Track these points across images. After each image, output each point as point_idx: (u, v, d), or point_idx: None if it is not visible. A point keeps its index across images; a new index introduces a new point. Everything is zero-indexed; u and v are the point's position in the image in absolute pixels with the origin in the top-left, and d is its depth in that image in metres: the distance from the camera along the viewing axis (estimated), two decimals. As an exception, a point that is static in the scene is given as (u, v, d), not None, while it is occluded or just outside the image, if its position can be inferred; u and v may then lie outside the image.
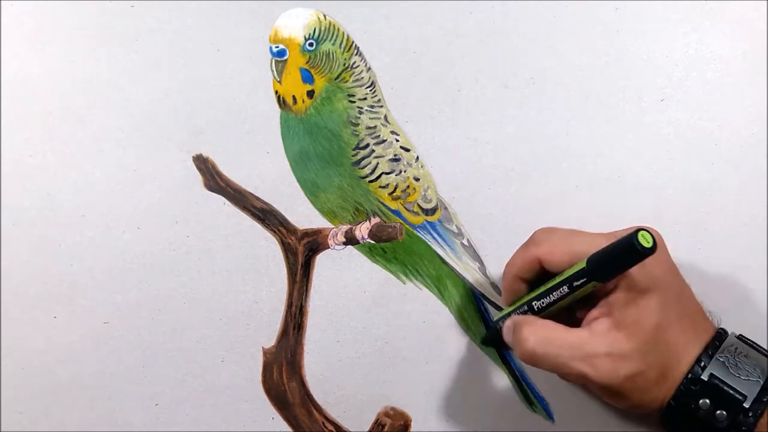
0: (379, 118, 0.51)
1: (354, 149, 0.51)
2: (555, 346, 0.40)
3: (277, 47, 0.51)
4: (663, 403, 0.41)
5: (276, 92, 0.52)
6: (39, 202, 0.52)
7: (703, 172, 0.52)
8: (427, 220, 0.52)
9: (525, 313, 0.44)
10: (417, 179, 0.52)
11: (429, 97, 0.52)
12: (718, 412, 0.39)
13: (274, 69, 0.51)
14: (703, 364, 0.40)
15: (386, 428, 0.52)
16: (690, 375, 0.40)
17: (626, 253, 0.38)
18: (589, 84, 0.52)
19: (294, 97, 0.51)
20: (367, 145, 0.51)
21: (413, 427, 0.52)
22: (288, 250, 0.52)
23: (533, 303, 0.44)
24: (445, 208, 0.52)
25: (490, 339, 0.50)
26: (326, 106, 0.51)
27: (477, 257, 0.52)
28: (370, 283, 0.52)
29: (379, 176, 0.51)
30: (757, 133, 0.52)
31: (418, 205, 0.52)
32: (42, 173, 0.52)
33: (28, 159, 0.52)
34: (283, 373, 0.52)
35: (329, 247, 0.52)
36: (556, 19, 0.52)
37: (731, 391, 0.39)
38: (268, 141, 0.52)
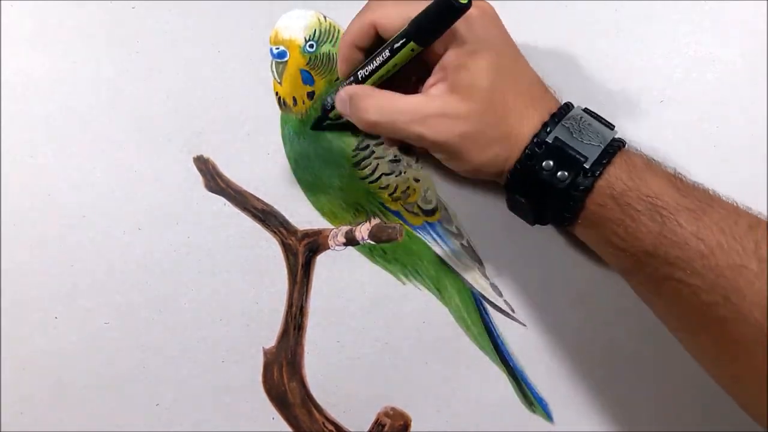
0: (380, 119, 0.51)
1: (354, 150, 0.51)
2: (393, 112, 0.42)
3: (278, 49, 0.51)
4: (506, 166, 0.42)
5: (276, 93, 0.52)
6: (39, 202, 0.52)
7: (703, 173, 0.52)
8: (426, 221, 0.52)
9: (352, 84, 0.45)
10: (417, 180, 0.52)
11: (429, 98, 0.52)
12: (560, 172, 0.40)
13: (274, 70, 0.51)
14: (549, 129, 0.41)
15: (386, 428, 0.52)
16: (536, 138, 0.41)
17: (442, 11, 0.38)
18: (589, 84, 0.52)
19: (294, 99, 0.51)
20: (367, 146, 0.51)
21: (413, 427, 0.52)
22: (288, 251, 0.52)
23: (358, 72, 0.44)
24: (445, 209, 0.52)
25: (321, 120, 0.50)
26: (326, 107, 0.51)
27: (477, 258, 0.52)
28: (370, 283, 0.52)
29: (379, 177, 0.51)
30: (757, 133, 0.52)
31: (418, 206, 0.52)
32: (42, 173, 0.52)
33: (29, 159, 0.52)
34: (284, 374, 0.52)
35: (329, 248, 0.52)
36: (556, 19, 0.52)
37: (573, 153, 0.40)
38: (268, 142, 0.52)
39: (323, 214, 0.52)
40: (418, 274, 0.52)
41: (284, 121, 0.52)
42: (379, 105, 0.42)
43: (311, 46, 0.51)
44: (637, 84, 0.52)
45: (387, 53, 0.42)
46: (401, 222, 0.52)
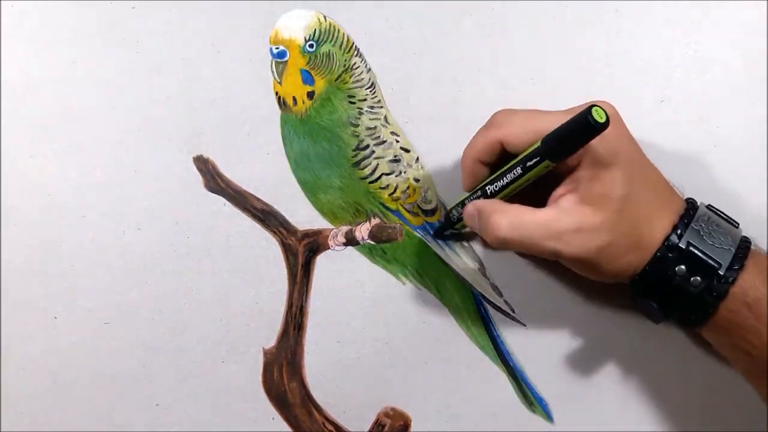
0: (379, 119, 0.51)
1: (354, 150, 0.51)
2: (525, 228, 0.41)
3: (278, 48, 0.51)
4: (636, 270, 0.42)
5: (276, 93, 0.52)
6: (39, 202, 0.52)
7: (703, 173, 0.52)
8: (427, 221, 0.52)
9: (479, 197, 0.44)
10: (417, 180, 0.52)
11: (429, 98, 0.52)
12: (693, 278, 0.40)
13: (274, 70, 0.51)
14: (679, 232, 0.41)
15: (386, 428, 0.52)
16: (667, 242, 0.41)
17: (580, 130, 0.37)
18: (589, 84, 0.52)
19: (294, 98, 0.51)
20: (367, 146, 0.51)
21: (413, 427, 0.52)
22: (288, 251, 0.52)
23: (487, 187, 0.44)
24: (445, 209, 0.52)
25: (444, 228, 0.51)
26: (326, 107, 0.51)
27: (476, 258, 0.52)
28: (370, 283, 0.52)
29: (379, 177, 0.51)
30: (757, 134, 0.52)
31: (418, 206, 0.52)
32: (42, 173, 0.52)
33: (29, 159, 0.52)
34: (284, 374, 0.52)
35: (329, 248, 0.52)
36: (556, 19, 0.52)
37: (707, 259, 0.40)
38: (268, 142, 0.52)
39: (323, 214, 0.52)
40: (418, 274, 0.52)
41: (284, 121, 0.52)
42: (510, 222, 0.41)
43: (311, 45, 0.51)
44: (637, 84, 0.52)
45: (519, 170, 0.41)
46: (401, 222, 0.52)
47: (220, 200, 0.52)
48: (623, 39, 0.52)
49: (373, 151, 0.51)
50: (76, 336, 0.52)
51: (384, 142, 0.51)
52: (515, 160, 0.42)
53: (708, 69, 0.52)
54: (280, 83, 0.51)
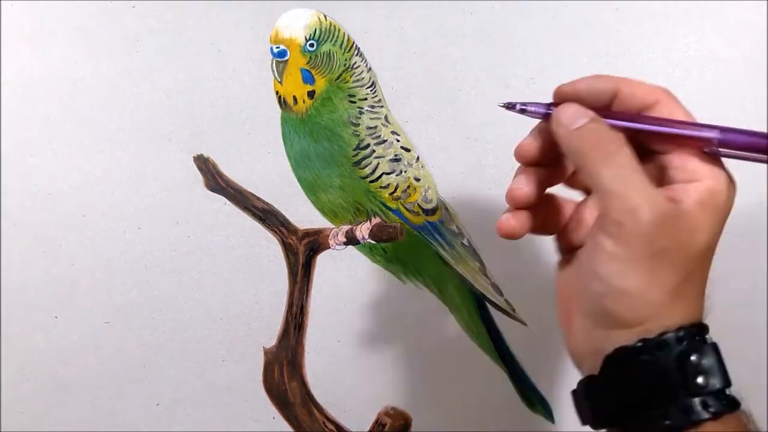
0: (380, 119, 0.51)
1: (355, 149, 0.51)
2: (625, 187, 0.33)
3: (278, 48, 0.51)
4: (651, 329, 0.34)
5: (277, 93, 0.52)
6: (39, 202, 0.52)
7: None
8: (427, 220, 0.52)
9: None
10: (417, 179, 0.52)
11: (429, 97, 0.52)
12: (700, 379, 0.33)
13: (274, 69, 0.51)
14: (706, 331, 0.35)
15: (386, 428, 0.52)
16: (699, 327, 0.34)
17: None
18: (589, 84, 0.52)
19: (295, 98, 0.51)
20: (368, 146, 0.51)
21: (413, 427, 0.52)
22: (289, 250, 0.52)
23: None
24: (446, 208, 0.52)
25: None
26: (327, 106, 0.51)
27: (477, 257, 0.52)
28: (370, 283, 0.52)
29: (380, 176, 0.51)
30: (757, 133, 0.52)
31: (419, 205, 0.52)
32: (42, 173, 0.52)
33: (29, 159, 0.52)
34: (284, 373, 0.52)
35: (330, 247, 0.52)
36: (556, 19, 0.52)
37: (723, 371, 0.33)
38: (268, 141, 0.52)
39: (323, 213, 0.52)
40: (418, 274, 0.52)
41: (285, 121, 0.52)
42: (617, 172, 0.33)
43: (312, 45, 0.51)
44: (637, 83, 0.52)
45: None
46: (402, 221, 0.52)
47: (221, 199, 0.52)
48: (623, 38, 0.52)
49: (374, 151, 0.51)
50: (76, 336, 0.52)
51: (384, 141, 0.51)
52: None
53: (708, 68, 0.52)
54: (280, 82, 0.51)
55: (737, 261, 0.52)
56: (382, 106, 0.52)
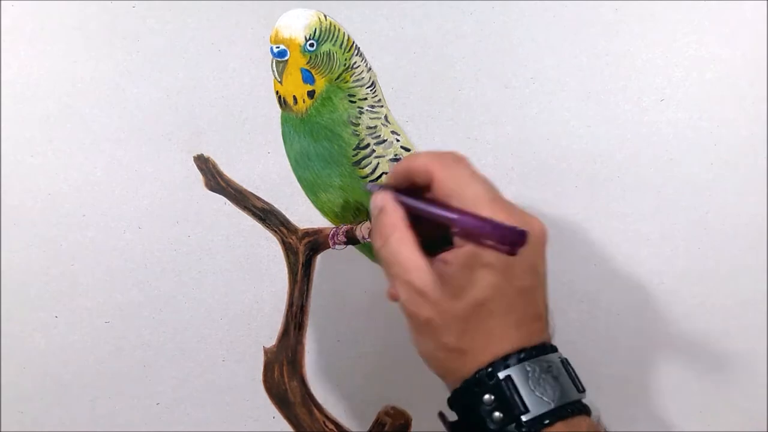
0: (380, 118, 0.51)
1: (355, 149, 0.51)
2: (400, 262, 0.39)
3: (278, 47, 0.51)
4: (459, 380, 0.39)
5: (277, 92, 0.52)
6: (39, 202, 0.52)
7: (703, 172, 0.52)
8: (427, 220, 0.52)
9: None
10: (417, 179, 0.52)
11: (429, 97, 0.52)
12: (496, 413, 0.37)
13: (274, 69, 0.51)
14: (508, 363, 0.38)
15: (386, 427, 0.52)
16: (489, 368, 0.38)
17: None
18: (589, 84, 0.52)
19: (295, 98, 0.51)
20: (368, 145, 0.51)
21: (413, 427, 0.52)
22: (289, 250, 0.52)
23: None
24: (446, 208, 0.52)
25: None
26: (327, 106, 0.51)
27: (477, 257, 0.52)
28: (370, 283, 0.52)
29: (380, 176, 0.51)
30: (757, 133, 0.52)
31: (419, 205, 0.52)
32: (42, 173, 0.52)
33: (29, 159, 0.52)
34: (284, 373, 0.52)
35: (330, 247, 0.52)
36: (556, 19, 0.52)
37: (517, 400, 0.37)
38: (268, 141, 0.52)
39: (324, 213, 0.52)
40: (418, 273, 0.52)
41: (285, 120, 0.52)
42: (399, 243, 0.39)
43: (312, 45, 0.51)
44: (637, 84, 0.52)
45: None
46: (402, 221, 0.52)
47: (221, 199, 0.52)
48: (623, 38, 0.52)
49: (374, 150, 0.51)
50: (76, 336, 0.52)
51: (384, 141, 0.51)
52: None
53: (708, 69, 0.52)
54: (280, 82, 0.51)
55: (737, 261, 0.52)
56: (382, 106, 0.52)
